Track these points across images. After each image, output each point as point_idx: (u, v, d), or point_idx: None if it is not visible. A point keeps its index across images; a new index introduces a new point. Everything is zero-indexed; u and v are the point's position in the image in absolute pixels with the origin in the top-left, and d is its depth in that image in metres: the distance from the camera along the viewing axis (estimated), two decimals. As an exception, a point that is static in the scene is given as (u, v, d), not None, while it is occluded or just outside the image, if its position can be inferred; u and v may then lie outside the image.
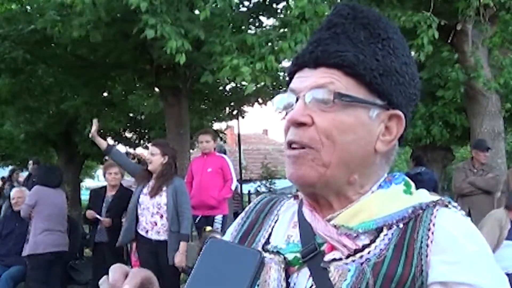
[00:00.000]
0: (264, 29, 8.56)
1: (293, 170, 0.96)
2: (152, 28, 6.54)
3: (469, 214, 6.57)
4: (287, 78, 1.04)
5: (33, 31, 8.16)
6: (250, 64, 6.73)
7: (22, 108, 12.75)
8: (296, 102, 0.96)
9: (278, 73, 9.35)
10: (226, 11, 7.46)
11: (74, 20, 7.27)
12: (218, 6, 6.81)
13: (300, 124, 0.95)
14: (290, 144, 0.97)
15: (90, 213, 6.03)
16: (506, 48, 8.75)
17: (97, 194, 6.33)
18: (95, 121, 5.67)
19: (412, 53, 6.87)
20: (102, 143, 5.64)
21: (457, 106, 9.12)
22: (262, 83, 7.15)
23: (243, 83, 7.05)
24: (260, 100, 14.71)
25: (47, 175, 6.42)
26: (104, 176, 6.32)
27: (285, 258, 0.98)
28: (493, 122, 8.19)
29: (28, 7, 9.10)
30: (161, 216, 5.06)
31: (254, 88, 6.88)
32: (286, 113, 1.00)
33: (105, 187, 6.35)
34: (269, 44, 7.16)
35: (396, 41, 1.00)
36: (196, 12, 7.93)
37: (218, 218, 6.42)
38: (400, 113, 0.98)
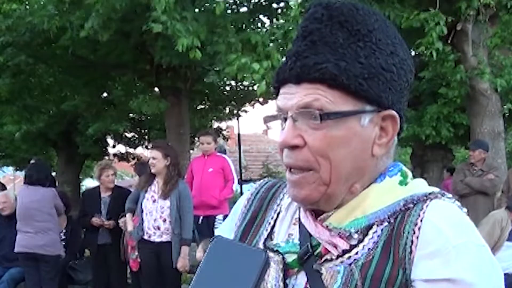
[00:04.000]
0: (269, 28, 8.53)
1: (295, 193, 0.96)
2: (162, 25, 6.50)
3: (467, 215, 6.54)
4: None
5: (34, 33, 8.15)
6: (257, 62, 6.71)
7: (22, 107, 12.75)
8: (284, 122, 0.95)
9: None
10: (222, 12, 7.46)
11: (77, 17, 7.24)
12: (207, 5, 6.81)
13: (293, 147, 0.93)
14: (288, 167, 0.96)
15: (95, 221, 5.96)
16: (507, 49, 8.74)
17: (92, 195, 6.24)
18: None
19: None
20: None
21: (458, 106, 9.12)
22: (269, 82, 7.10)
23: (246, 82, 6.98)
24: (260, 100, 14.71)
25: (25, 173, 6.26)
26: (99, 178, 6.15)
27: (284, 258, 0.97)
28: (493, 122, 8.17)
29: (28, 7, 9.10)
30: (164, 220, 5.07)
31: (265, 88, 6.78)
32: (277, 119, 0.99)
33: (98, 187, 6.26)
34: (274, 43, 7.16)
35: (378, 31, 0.94)
36: (196, 10, 7.94)
37: (220, 218, 6.42)
38: (393, 112, 0.95)
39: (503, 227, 4.89)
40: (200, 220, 6.26)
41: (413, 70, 1.01)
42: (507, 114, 8.81)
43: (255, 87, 7.20)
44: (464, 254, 0.86)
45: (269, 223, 1.06)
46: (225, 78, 11.37)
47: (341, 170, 0.92)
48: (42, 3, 8.32)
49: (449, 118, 9.43)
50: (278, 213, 1.06)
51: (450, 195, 0.96)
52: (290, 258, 0.97)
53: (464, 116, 9.23)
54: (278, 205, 1.08)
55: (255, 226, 1.07)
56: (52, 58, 10.06)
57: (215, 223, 6.33)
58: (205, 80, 7.95)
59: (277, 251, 0.99)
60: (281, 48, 6.97)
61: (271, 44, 7.09)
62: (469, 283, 0.85)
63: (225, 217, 6.46)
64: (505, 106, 9.02)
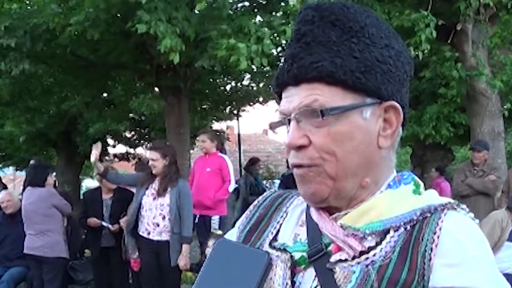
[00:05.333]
0: (266, 17, 8.55)
1: (304, 189, 0.97)
2: (145, 24, 6.52)
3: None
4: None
5: (34, 36, 8.11)
6: (247, 47, 6.73)
7: (23, 108, 12.75)
8: (289, 125, 0.97)
9: (279, 59, 9.29)
10: (225, 6, 7.47)
11: (73, 15, 7.23)
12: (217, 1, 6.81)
13: (299, 147, 0.95)
14: (293, 166, 0.98)
15: (94, 222, 5.96)
16: (507, 49, 8.75)
17: (93, 197, 6.21)
18: (95, 146, 5.52)
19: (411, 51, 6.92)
20: (100, 168, 5.50)
21: (458, 106, 9.12)
22: (259, 65, 7.12)
23: (231, 60, 6.92)
24: (260, 99, 14.73)
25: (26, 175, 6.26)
26: (101, 181, 6.04)
27: (291, 256, 0.98)
28: (493, 122, 8.18)
29: (29, 7, 9.08)
30: (164, 218, 5.06)
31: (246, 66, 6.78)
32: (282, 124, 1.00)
33: (99, 188, 6.22)
34: (271, 30, 7.18)
35: (370, 26, 0.96)
36: (196, 11, 7.95)
37: (215, 218, 6.41)
38: (395, 103, 0.96)
39: (503, 227, 4.88)
40: (196, 219, 6.25)
41: (411, 62, 1.02)
42: (507, 114, 8.81)
43: (240, 65, 7.15)
44: (481, 265, 0.89)
45: (275, 227, 1.07)
46: (223, 78, 11.32)
47: (348, 164, 0.94)
48: (43, 2, 8.31)
49: (449, 118, 9.44)
50: (284, 218, 1.08)
51: (464, 206, 0.98)
52: (297, 255, 0.98)
53: (464, 116, 9.23)
54: (284, 212, 1.09)
55: (259, 230, 1.09)
56: (52, 58, 10.04)
57: (211, 223, 6.33)
58: (195, 65, 7.88)
59: (284, 249, 0.99)
60: (276, 35, 6.99)
61: (268, 30, 7.10)
62: None
63: (221, 218, 6.45)
64: (505, 106, 9.03)
